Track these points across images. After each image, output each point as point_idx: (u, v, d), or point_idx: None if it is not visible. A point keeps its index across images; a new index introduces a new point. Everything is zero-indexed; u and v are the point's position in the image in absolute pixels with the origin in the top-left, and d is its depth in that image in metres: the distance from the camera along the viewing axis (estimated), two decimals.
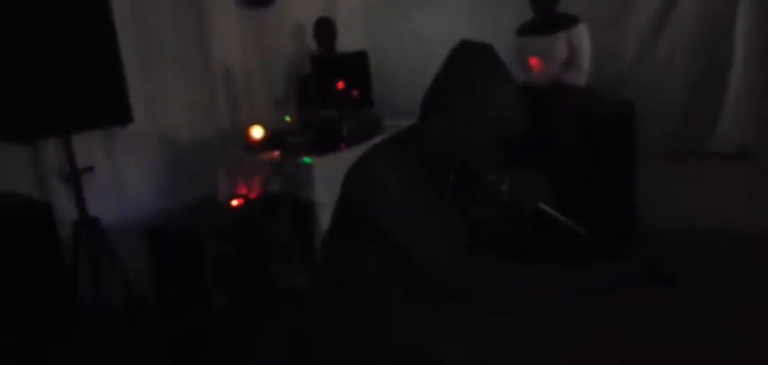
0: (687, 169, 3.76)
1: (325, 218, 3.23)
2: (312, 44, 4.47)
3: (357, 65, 4.24)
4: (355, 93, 3.81)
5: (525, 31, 3.65)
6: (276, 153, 3.54)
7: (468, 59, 1.33)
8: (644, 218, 3.76)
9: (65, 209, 3.12)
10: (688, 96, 3.85)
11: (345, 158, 3.38)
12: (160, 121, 3.87)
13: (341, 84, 3.74)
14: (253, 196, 3.42)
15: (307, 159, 3.37)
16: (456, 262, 1.31)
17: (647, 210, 3.76)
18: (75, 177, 2.91)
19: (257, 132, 3.68)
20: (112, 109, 2.85)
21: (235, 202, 3.33)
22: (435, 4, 4.74)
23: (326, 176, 3.26)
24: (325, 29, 4.36)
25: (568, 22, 3.48)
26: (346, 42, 4.47)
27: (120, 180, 3.66)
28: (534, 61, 3.49)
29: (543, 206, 1.38)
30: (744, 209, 3.54)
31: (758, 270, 3.21)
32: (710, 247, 3.34)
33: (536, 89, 3.44)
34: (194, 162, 3.93)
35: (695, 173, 3.74)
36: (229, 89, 4.34)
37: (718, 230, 3.44)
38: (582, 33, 3.46)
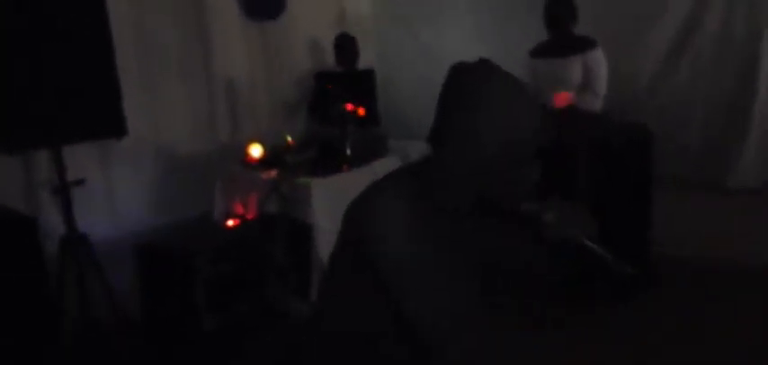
0: (703, 198, 3.64)
1: (322, 242, 3.10)
2: (327, 60, 4.34)
3: (364, 82, 4.12)
4: (362, 111, 3.64)
5: (539, 52, 3.53)
6: (273, 172, 3.41)
7: (468, 76, 1.25)
8: (657, 246, 3.62)
9: (55, 222, 3.01)
10: (709, 124, 3.73)
11: (347, 180, 3.29)
12: (158, 134, 3.79)
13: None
14: (249, 216, 3.29)
15: (304, 180, 3.24)
16: (452, 331, 1.22)
17: (660, 240, 3.62)
18: (64, 190, 2.79)
19: (256, 150, 3.56)
20: (107, 121, 2.75)
21: (230, 223, 3.20)
22: (445, 20, 4.68)
23: (326, 198, 3.13)
24: (345, 46, 4.20)
25: (584, 45, 3.35)
26: None
27: (113, 194, 3.57)
28: (560, 99, 3.33)
29: (587, 242, 1.22)
30: (761, 241, 3.39)
31: None
32: (725, 280, 3.23)
33: (550, 113, 3.31)
34: (192, 177, 3.82)
35: (711, 202, 3.62)
36: (231, 103, 4.24)
37: (735, 262, 3.33)
38: (599, 58, 3.33)
